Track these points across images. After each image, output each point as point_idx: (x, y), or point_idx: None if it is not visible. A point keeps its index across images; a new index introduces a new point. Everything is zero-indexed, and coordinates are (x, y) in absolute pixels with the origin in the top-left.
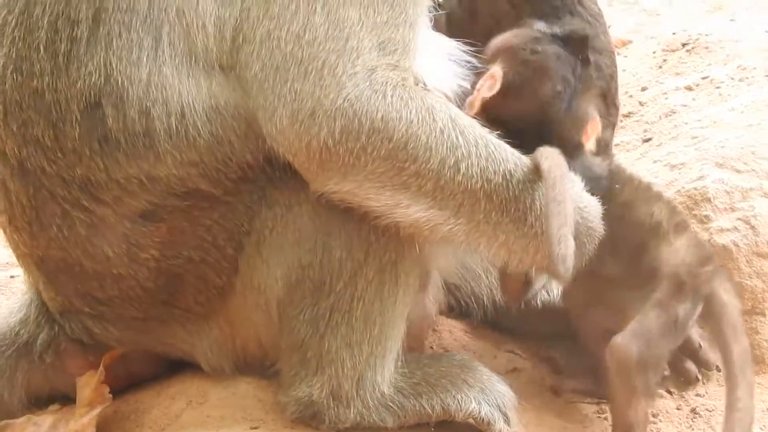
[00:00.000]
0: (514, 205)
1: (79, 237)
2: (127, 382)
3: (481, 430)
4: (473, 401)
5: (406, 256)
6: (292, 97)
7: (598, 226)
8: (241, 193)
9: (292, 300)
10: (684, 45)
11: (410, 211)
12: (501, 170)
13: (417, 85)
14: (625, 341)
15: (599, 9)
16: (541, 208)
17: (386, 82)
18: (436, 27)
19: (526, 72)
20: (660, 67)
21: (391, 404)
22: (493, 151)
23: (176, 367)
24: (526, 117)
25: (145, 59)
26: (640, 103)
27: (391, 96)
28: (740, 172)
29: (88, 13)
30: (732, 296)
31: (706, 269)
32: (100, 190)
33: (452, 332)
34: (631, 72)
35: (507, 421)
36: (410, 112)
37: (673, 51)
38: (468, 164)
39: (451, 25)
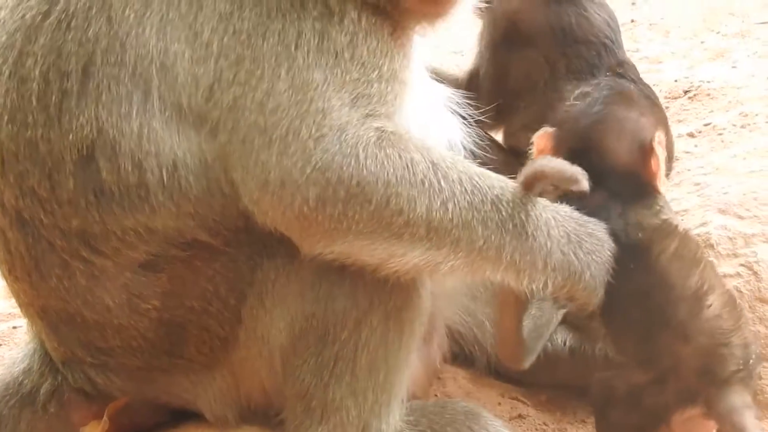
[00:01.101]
0: (511, 222)
1: (79, 287)
2: (131, 431)
3: None
4: None
5: (410, 304)
6: (260, 168)
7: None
8: (242, 244)
9: (295, 350)
10: (686, 92)
11: (407, 258)
12: (489, 198)
13: (397, 133)
14: None
15: (638, 74)
16: (537, 217)
17: (358, 143)
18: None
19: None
20: None
21: None
22: (477, 182)
23: (180, 416)
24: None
25: (134, 113)
26: None
27: (365, 158)
28: (743, 218)
29: (78, 66)
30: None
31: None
32: (98, 241)
33: (456, 380)
34: None
35: None
36: (387, 173)
37: (675, 98)
38: (455, 202)
39: (480, 79)
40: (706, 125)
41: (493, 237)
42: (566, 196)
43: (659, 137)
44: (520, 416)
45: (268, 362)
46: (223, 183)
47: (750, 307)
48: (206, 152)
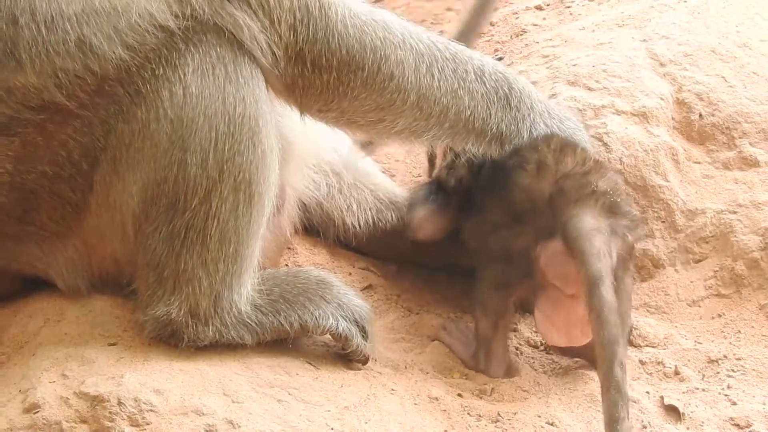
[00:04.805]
0: (495, 95)
1: None
2: None
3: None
4: (331, 317)
5: (261, 176)
6: (265, 34)
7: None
8: (97, 106)
9: (147, 217)
10: None
11: (395, 124)
12: (471, 68)
13: (354, 3)
14: None
15: None
16: (520, 90)
17: (335, 20)
18: None
19: None
20: None
21: (249, 321)
22: (455, 52)
23: (33, 286)
24: None
25: None
26: (491, 23)
27: (345, 29)
28: (592, 89)
29: None
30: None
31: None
32: None
33: (307, 251)
34: None
35: (365, 336)
36: (371, 38)
37: None
38: (439, 67)
39: None
40: None
41: (479, 107)
42: None
43: None
44: (370, 286)
45: (121, 230)
46: (102, 29)
47: None
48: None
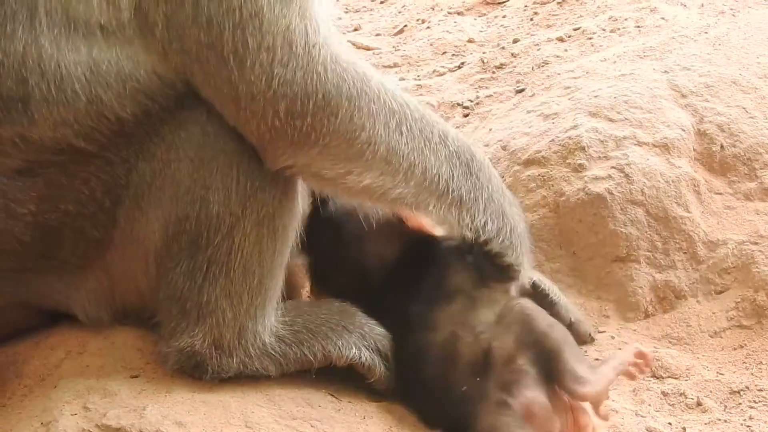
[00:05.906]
0: (457, 159)
1: None
2: (4, 334)
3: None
4: (353, 347)
5: (284, 210)
6: (230, 86)
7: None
8: (118, 147)
9: (169, 252)
10: None
11: (362, 177)
12: (436, 131)
13: (340, 51)
14: None
15: None
16: (481, 160)
17: (317, 60)
18: None
19: None
20: (531, 19)
21: (272, 352)
22: (423, 114)
23: (55, 318)
24: None
25: (20, 31)
26: (513, 55)
27: (324, 72)
28: (613, 121)
29: None
30: None
31: None
32: None
33: None
34: (502, 25)
35: (387, 365)
36: (348, 86)
37: (544, 4)
38: (408, 126)
39: None
40: (575, 30)
41: (443, 168)
42: None
43: None
44: None
45: (143, 264)
46: (112, 88)
47: (622, 209)
48: (100, 61)
